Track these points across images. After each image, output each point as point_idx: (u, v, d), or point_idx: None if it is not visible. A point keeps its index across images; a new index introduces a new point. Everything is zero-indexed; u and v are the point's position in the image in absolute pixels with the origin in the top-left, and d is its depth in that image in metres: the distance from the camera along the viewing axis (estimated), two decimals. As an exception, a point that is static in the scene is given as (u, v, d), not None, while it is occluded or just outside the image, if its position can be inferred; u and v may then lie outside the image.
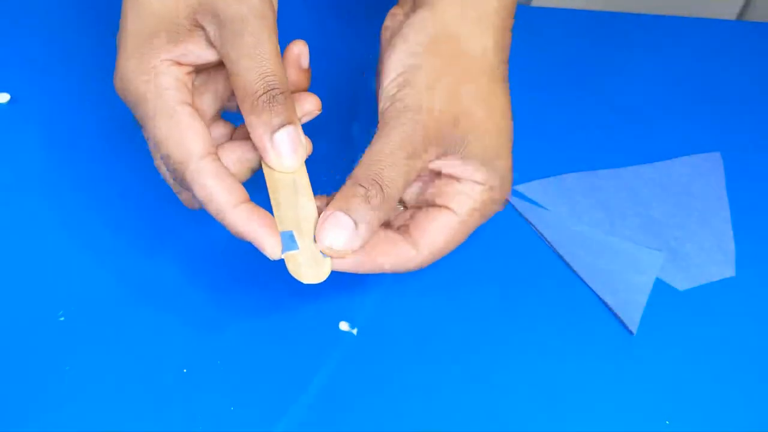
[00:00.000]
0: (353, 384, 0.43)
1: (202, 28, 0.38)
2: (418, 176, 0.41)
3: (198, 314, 0.44)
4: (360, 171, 0.38)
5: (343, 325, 0.45)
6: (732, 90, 0.60)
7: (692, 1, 0.70)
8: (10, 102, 0.52)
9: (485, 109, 0.41)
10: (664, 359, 0.45)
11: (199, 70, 0.40)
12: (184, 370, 0.42)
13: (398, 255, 0.40)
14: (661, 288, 0.48)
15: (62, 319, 0.43)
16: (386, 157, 0.38)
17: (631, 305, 0.47)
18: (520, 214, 0.51)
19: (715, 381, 0.45)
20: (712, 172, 0.55)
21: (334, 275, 0.46)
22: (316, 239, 0.38)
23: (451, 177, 0.41)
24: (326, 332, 0.44)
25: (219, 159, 0.38)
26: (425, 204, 0.42)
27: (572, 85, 0.59)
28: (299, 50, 0.41)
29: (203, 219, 0.48)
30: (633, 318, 0.47)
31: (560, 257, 0.49)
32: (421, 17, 0.41)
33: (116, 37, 0.39)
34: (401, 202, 0.43)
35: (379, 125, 0.40)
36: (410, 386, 0.43)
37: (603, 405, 0.43)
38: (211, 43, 0.38)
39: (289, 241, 0.38)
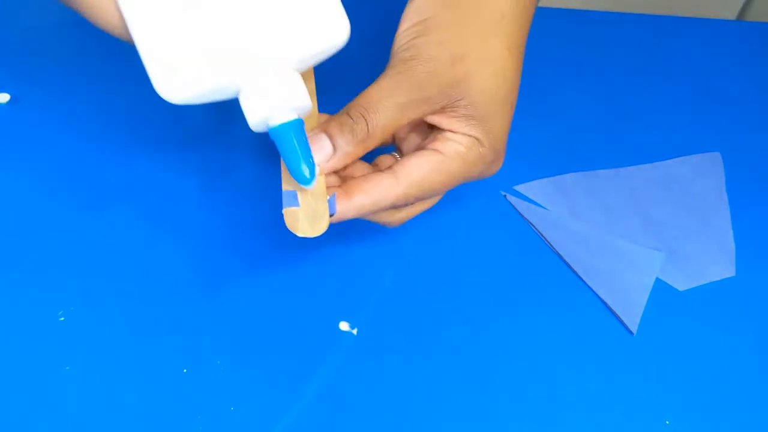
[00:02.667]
0: (353, 384, 0.43)
1: None
2: (411, 125, 0.43)
3: (198, 314, 0.44)
4: (353, 103, 0.40)
5: (343, 325, 0.45)
6: (732, 90, 0.60)
7: (692, 1, 0.70)
8: (10, 102, 0.52)
9: (488, 71, 0.41)
10: (664, 359, 0.45)
11: None
12: (184, 370, 0.42)
13: (377, 186, 0.40)
14: (661, 288, 0.48)
15: (62, 319, 0.43)
16: (379, 99, 0.39)
17: (631, 305, 0.47)
18: (520, 214, 0.51)
19: (715, 381, 0.45)
20: (712, 172, 0.55)
21: (335, 276, 0.46)
22: None
23: (443, 130, 0.42)
24: (326, 332, 0.44)
25: None
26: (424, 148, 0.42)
27: (572, 85, 0.59)
28: None
29: (203, 220, 0.48)
30: (633, 318, 0.47)
31: (560, 257, 0.49)
32: None
33: None
34: (399, 152, 0.44)
35: (386, 66, 0.41)
36: (410, 386, 0.43)
37: (603, 405, 0.43)
38: None
39: (291, 199, 0.39)
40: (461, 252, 0.49)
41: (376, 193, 0.40)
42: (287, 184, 0.39)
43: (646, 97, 0.59)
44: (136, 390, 0.41)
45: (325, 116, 0.42)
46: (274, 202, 0.49)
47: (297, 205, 0.39)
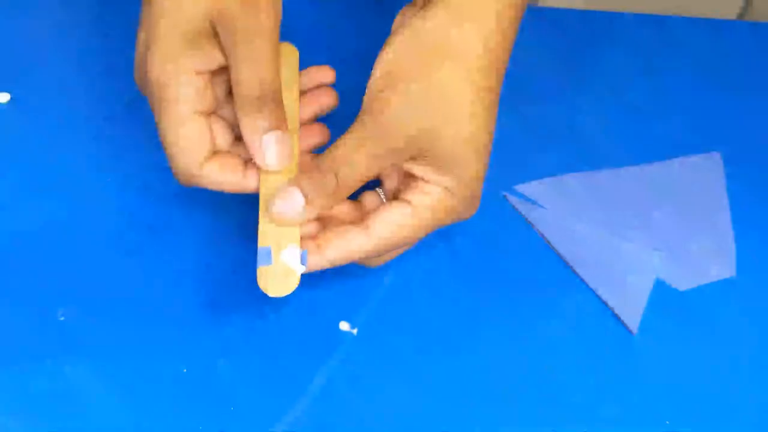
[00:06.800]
0: (353, 384, 0.43)
1: (217, 35, 0.41)
2: (383, 174, 0.44)
3: (198, 314, 0.44)
4: (323, 157, 0.41)
5: (343, 325, 0.45)
6: (732, 90, 0.60)
7: (692, 1, 0.70)
8: (10, 102, 0.52)
9: (456, 121, 0.41)
10: (664, 359, 0.45)
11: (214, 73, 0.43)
12: (184, 370, 0.42)
13: (349, 241, 0.41)
14: (661, 288, 0.48)
15: (62, 319, 0.43)
16: (347, 152, 0.40)
17: (631, 305, 0.47)
18: (520, 214, 0.51)
19: (715, 381, 0.45)
20: (712, 172, 0.55)
21: (335, 276, 0.46)
22: (271, 207, 0.41)
23: (416, 177, 0.42)
24: (326, 332, 0.44)
25: (217, 154, 0.42)
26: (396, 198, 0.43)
27: (572, 85, 0.59)
28: (326, 103, 0.45)
29: (203, 219, 0.48)
30: (633, 318, 0.47)
31: (560, 257, 0.49)
32: (417, 20, 0.42)
33: (140, 34, 0.42)
34: (383, 188, 0.45)
35: (356, 117, 0.41)
36: (410, 386, 0.43)
37: (603, 405, 0.43)
38: (221, 48, 0.41)
39: (265, 256, 0.40)
40: (461, 252, 0.49)
41: (347, 248, 0.41)
42: (263, 239, 0.41)
43: (647, 97, 0.59)
44: (136, 390, 0.41)
45: (308, 156, 0.44)
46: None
47: (270, 262, 0.40)
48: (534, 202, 0.52)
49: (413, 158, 0.41)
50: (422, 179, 0.42)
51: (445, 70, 0.41)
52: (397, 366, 0.44)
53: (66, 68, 0.55)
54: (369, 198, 0.44)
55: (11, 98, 0.52)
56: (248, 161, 0.43)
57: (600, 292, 0.48)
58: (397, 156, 0.41)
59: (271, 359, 0.43)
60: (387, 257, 0.44)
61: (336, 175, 0.40)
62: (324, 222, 0.42)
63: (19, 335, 0.42)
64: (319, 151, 0.44)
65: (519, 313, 0.46)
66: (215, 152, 0.42)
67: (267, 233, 0.41)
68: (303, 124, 0.45)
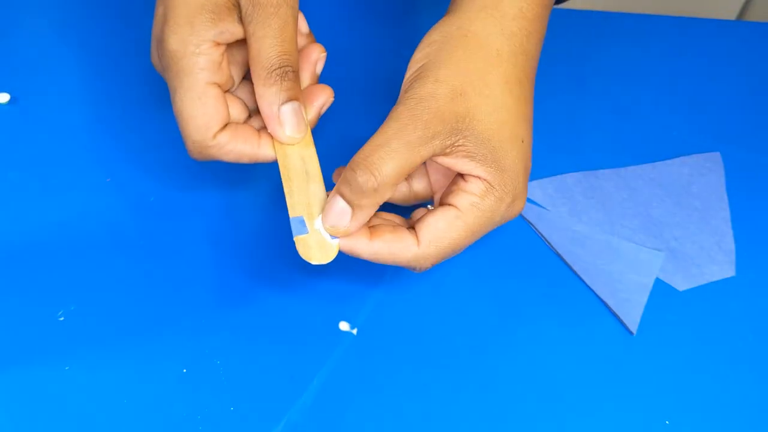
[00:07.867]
0: (353, 384, 0.43)
1: (238, 6, 0.41)
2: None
3: (198, 314, 0.44)
4: (357, 157, 0.40)
5: (343, 325, 0.45)
6: (732, 90, 0.60)
7: (692, 1, 0.70)
8: (10, 102, 0.52)
9: (489, 106, 0.41)
10: (664, 359, 0.45)
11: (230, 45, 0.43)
12: (184, 370, 0.42)
13: (398, 240, 0.41)
14: (661, 288, 0.48)
15: (62, 319, 0.43)
16: (381, 146, 0.39)
17: (631, 305, 0.47)
18: (520, 214, 0.51)
19: (715, 381, 0.45)
20: (712, 172, 0.55)
21: (335, 276, 0.46)
22: (323, 221, 0.41)
23: (459, 175, 0.42)
24: (326, 332, 0.44)
25: (230, 124, 0.43)
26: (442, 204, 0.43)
27: (572, 85, 0.59)
28: (317, 57, 0.45)
29: (203, 219, 0.48)
30: (633, 318, 0.47)
31: (560, 257, 0.49)
32: (445, 19, 0.44)
33: (158, 9, 0.42)
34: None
35: (389, 114, 0.41)
36: (410, 386, 0.43)
37: (603, 405, 0.43)
38: (240, 20, 0.41)
39: (299, 226, 0.41)
40: (461, 252, 0.49)
41: (395, 247, 0.41)
42: (293, 211, 0.41)
43: (646, 97, 0.59)
44: (136, 390, 0.41)
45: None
46: (274, 198, 0.49)
47: (306, 231, 0.41)
48: (534, 202, 0.52)
49: (453, 146, 0.40)
50: (462, 178, 0.42)
51: (475, 59, 0.42)
52: (397, 366, 0.44)
53: (66, 68, 0.55)
54: (419, 213, 0.44)
55: (11, 98, 0.52)
56: (261, 130, 0.43)
57: (600, 292, 0.48)
58: (439, 141, 0.40)
59: (271, 359, 0.43)
60: (433, 261, 0.43)
61: (374, 175, 0.39)
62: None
63: (19, 335, 0.42)
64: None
65: (518, 312, 0.46)
66: (228, 123, 0.42)
67: (295, 204, 0.41)
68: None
